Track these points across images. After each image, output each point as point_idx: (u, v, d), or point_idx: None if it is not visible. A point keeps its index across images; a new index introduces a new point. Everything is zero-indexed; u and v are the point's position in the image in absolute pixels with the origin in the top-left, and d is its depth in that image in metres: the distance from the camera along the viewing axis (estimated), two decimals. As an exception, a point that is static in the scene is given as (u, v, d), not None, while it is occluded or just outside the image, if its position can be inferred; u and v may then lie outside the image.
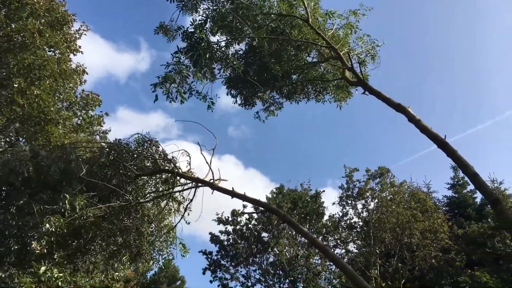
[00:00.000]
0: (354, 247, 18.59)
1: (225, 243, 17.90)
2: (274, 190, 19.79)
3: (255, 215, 17.59)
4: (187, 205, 6.52)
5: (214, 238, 18.05)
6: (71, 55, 10.79)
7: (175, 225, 6.77)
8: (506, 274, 14.01)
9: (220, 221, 18.08)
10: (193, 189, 6.30)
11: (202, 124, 6.90)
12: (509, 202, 17.15)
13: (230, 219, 17.97)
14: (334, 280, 16.80)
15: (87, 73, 11.32)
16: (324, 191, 19.79)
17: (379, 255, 16.58)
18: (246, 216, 17.84)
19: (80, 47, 10.95)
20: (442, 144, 4.69)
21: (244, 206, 16.15)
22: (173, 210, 7.05)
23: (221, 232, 18.11)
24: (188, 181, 6.56)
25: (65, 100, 10.79)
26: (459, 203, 21.16)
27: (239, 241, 17.61)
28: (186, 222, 6.77)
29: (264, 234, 17.83)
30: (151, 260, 7.28)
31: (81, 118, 11.14)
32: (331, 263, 16.04)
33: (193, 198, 6.28)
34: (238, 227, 17.87)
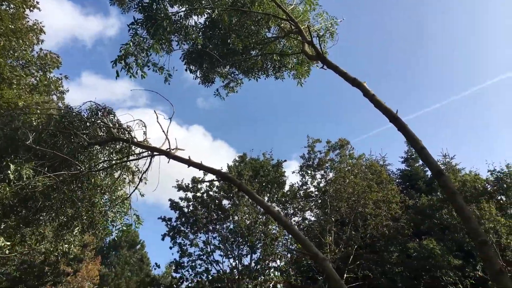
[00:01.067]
0: (311, 215, 19.21)
1: (185, 209, 17.91)
2: (237, 158, 19.89)
3: (216, 183, 17.65)
4: (142, 175, 6.42)
5: (174, 205, 18.00)
6: (27, 11, 10.10)
7: (129, 196, 6.68)
8: (451, 243, 14.96)
9: (180, 188, 17.98)
10: (148, 159, 6.20)
11: (158, 93, 6.74)
12: (459, 175, 18.14)
13: (190, 186, 17.92)
14: (290, 246, 17.30)
15: (44, 33, 10.65)
16: (285, 160, 20.10)
17: (334, 223, 17.20)
18: (207, 183, 17.85)
19: (38, 2, 10.24)
20: (393, 118, 4.84)
21: (205, 174, 16.15)
22: (127, 181, 6.95)
23: (181, 198, 18.04)
24: (143, 151, 6.44)
25: (20, 59, 10.19)
26: (411, 175, 22.19)
27: (199, 208, 17.67)
28: (140, 193, 6.72)
29: (225, 202, 18.02)
30: (104, 232, 7.19)
31: (38, 78, 10.57)
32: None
33: (148, 167, 6.19)
34: (198, 194, 17.87)
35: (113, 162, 6.79)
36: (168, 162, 5.93)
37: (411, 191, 20.17)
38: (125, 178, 6.99)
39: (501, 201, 16.01)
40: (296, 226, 18.31)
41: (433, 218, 16.02)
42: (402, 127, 4.80)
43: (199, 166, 5.93)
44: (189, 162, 5.93)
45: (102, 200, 6.87)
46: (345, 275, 16.32)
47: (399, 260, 16.16)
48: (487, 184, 16.30)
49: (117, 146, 6.71)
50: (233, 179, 6.06)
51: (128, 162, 6.81)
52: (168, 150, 6.01)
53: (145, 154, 6.33)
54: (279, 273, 17.06)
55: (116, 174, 6.93)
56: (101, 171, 6.73)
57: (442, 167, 21.67)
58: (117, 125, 6.52)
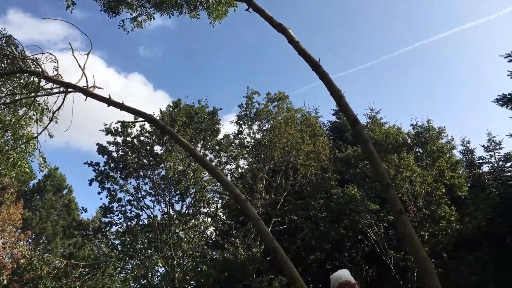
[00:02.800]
0: (245, 164, 19.55)
1: (114, 154, 17.24)
2: (171, 104, 19.32)
3: (147, 127, 17.08)
4: (53, 114, 5.96)
5: (101, 149, 17.18)
6: None
7: (37, 136, 6.21)
8: (370, 190, 16.06)
9: (108, 131, 17.15)
10: (61, 97, 5.74)
11: (69, 22, 6.21)
12: (383, 129, 19.23)
13: (119, 130, 17.13)
14: (217, 188, 17.57)
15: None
16: (221, 109, 20.04)
17: (266, 171, 17.68)
18: (138, 128, 17.20)
19: None
20: (315, 66, 4.86)
21: (136, 118, 15.57)
22: (35, 119, 6.42)
23: (109, 143, 17.27)
24: (55, 87, 5.95)
25: None
26: (340, 127, 23.23)
27: (129, 154, 17.11)
28: (49, 134, 6.27)
29: (157, 148, 17.67)
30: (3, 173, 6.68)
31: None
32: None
33: (61, 105, 5.76)
34: (128, 139, 17.18)
35: (19, 97, 6.21)
36: (85, 100, 5.55)
37: (339, 142, 21.17)
38: (32, 117, 6.44)
39: (418, 153, 17.35)
40: (228, 174, 18.65)
41: (357, 168, 17.02)
42: (323, 75, 4.85)
43: (120, 105, 5.64)
44: (108, 101, 5.60)
45: (4, 138, 6.31)
46: (273, 219, 17.08)
47: (323, 206, 17.14)
48: (407, 137, 17.53)
49: (22, 80, 6.11)
50: (157, 120, 5.87)
51: (36, 99, 6.25)
52: (85, 87, 5.61)
53: (56, 90, 5.83)
54: (210, 218, 17.42)
55: (21, 111, 6.36)
56: (2, 106, 6.13)
57: (368, 120, 22.96)
58: (22, 55, 5.92)
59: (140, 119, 5.65)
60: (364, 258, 15.96)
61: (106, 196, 17.00)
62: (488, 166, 22.79)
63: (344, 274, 2.97)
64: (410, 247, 3.06)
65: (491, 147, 22.36)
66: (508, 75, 15.35)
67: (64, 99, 5.70)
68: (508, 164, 22.18)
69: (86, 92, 5.56)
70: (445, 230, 14.82)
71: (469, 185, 19.08)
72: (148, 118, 5.73)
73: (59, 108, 5.74)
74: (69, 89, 5.71)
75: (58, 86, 5.78)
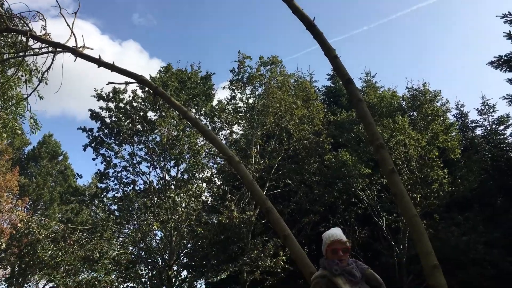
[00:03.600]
0: (239, 129, 19.52)
1: (107, 120, 17.08)
2: (161, 69, 18.94)
3: (140, 93, 16.86)
4: (42, 75, 5.84)
5: (94, 115, 16.99)
6: None
7: (27, 97, 6.12)
8: (364, 154, 16.18)
9: (100, 97, 16.92)
10: (50, 57, 5.61)
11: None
12: (378, 93, 19.15)
13: (111, 96, 16.87)
14: (215, 157, 17.64)
15: None
16: (214, 73, 19.71)
17: (260, 136, 17.69)
18: (130, 94, 16.96)
19: None
20: (309, 25, 4.75)
21: (127, 83, 15.31)
22: (24, 79, 6.30)
23: (101, 108, 17.06)
24: (43, 46, 5.80)
25: None
26: (335, 92, 23.12)
27: (123, 119, 16.97)
28: (39, 96, 6.17)
29: (151, 114, 17.53)
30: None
31: None
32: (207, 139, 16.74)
33: (50, 66, 5.63)
34: (121, 104, 16.98)
35: (6, 56, 6.07)
36: (75, 60, 5.43)
37: (333, 106, 21.11)
38: (20, 78, 6.31)
39: (413, 117, 17.39)
40: (223, 139, 18.64)
41: (351, 132, 17.07)
42: (317, 34, 4.75)
43: (111, 66, 5.53)
44: (99, 62, 5.49)
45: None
46: (267, 184, 17.26)
47: (317, 170, 17.30)
48: (402, 101, 17.51)
49: (9, 40, 5.95)
50: (149, 82, 5.78)
51: (25, 59, 6.11)
52: (74, 47, 5.47)
53: (45, 50, 5.69)
54: (205, 184, 17.54)
55: (10, 71, 6.23)
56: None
57: (363, 85, 22.84)
58: (7, 14, 5.73)
59: (131, 80, 5.57)
60: (357, 220, 16.30)
61: (101, 162, 17.01)
62: (482, 130, 22.97)
63: (336, 232, 3.01)
64: (400, 205, 3.10)
65: (485, 110, 22.45)
66: (504, 36, 15.18)
67: (53, 60, 5.57)
68: (501, 127, 22.35)
69: (75, 52, 5.43)
70: (437, 192, 15.08)
71: (462, 148, 19.26)
72: (140, 79, 5.64)
73: (49, 68, 5.62)
74: (58, 49, 5.57)
75: (47, 46, 5.63)
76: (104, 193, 17.10)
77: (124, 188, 16.61)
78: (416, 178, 15.40)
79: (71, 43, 5.54)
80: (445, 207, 15.89)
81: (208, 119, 18.50)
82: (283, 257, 14.87)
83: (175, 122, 17.00)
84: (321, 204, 16.95)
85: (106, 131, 17.09)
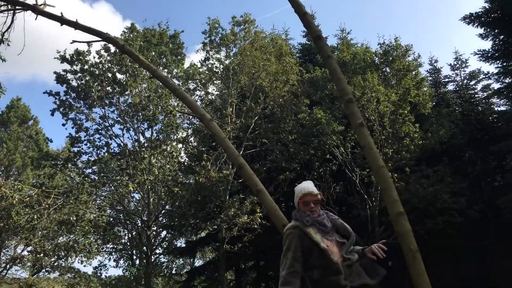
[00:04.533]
0: (214, 90, 19.29)
1: (74, 83, 16.42)
2: (125, 29, 18.03)
3: (105, 54, 16.16)
4: (2, 35, 5.52)
5: (60, 78, 16.30)
6: None
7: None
8: (338, 111, 16.33)
9: (63, 59, 16.14)
10: (10, 16, 5.30)
11: None
12: (352, 50, 19.09)
13: (75, 58, 16.08)
14: (190, 118, 17.48)
15: None
16: (183, 31, 19.08)
17: (235, 96, 17.56)
18: (95, 55, 16.24)
19: None
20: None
21: (91, 42, 14.60)
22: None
23: (66, 71, 16.28)
24: (2, 4, 5.46)
25: None
26: (310, 49, 22.91)
27: (91, 82, 16.36)
28: (1, 58, 5.87)
29: (120, 76, 16.99)
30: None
31: None
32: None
33: (10, 25, 5.34)
34: (86, 66, 16.24)
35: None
36: (36, 18, 5.16)
37: (309, 64, 20.99)
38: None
39: (385, 73, 17.52)
40: (198, 100, 18.42)
41: (325, 89, 17.13)
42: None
43: (74, 24, 5.28)
44: (61, 20, 5.23)
45: None
46: (244, 143, 17.35)
47: (293, 129, 17.44)
48: (375, 57, 17.55)
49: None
50: (115, 40, 5.58)
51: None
52: (34, 5, 5.18)
53: (4, 8, 5.36)
54: (180, 144, 17.46)
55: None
56: None
57: (338, 41, 22.70)
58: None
59: (97, 39, 5.35)
60: (332, 176, 16.69)
61: (72, 127, 16.62)
62: (454, 85, 23.46)
63: (307, 185, 3.07)
64: (368, 157, 3.19)
65: (457, 65, 22.83)
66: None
67: (13, 19, 5.27)
68: (472, 82, 22.86)
69: (36, 10, 5.15)
70: (408, 146, 15.51)
71: (434, 103, 19.69)
72: (106, 37, 5.43)
73: (9, 28, 5.32)
74: (17, 7, 5.27)
75: (5, 3, 5.31)
76: (78, 157, 16.83)
77: (98, 151, 16.39)
78: (388, 134, 15.75)
79: (31, 1, 5.25)
80: (416, 160, 16.42)
81: (182, 81, 18.14)
82: (260, 214, 15.24)
83: (145, 85, 16.63)
84: (297, 162, 17.22)
85: (73, 95, 16.54)
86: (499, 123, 22.87)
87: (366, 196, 15.77)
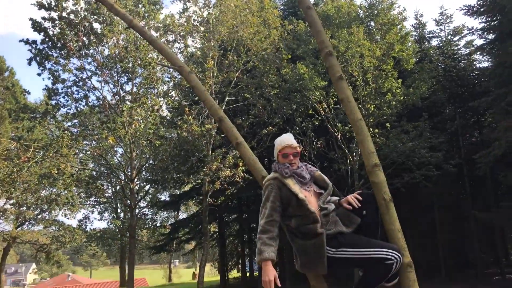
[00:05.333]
0: (194, 42, 18.81)
1: (51, 32, 15.73)
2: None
3: (83, 4, 15.42)
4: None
5: (36, 25, 15.55)
6: None
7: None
8: (321, 66, 16.18)
9: (41, 5, 15.35)
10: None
11: None
12: (336, 3, 18.65)
13: (53, 4, 15.30)
14: (170, 71, 17.11)
15: None
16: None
17: (216, 49, 17.18)
18: (73, 1, 15.46)
19: None
20: None
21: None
22: None
23: (44, 18, 15.57)
24: None
25: None
26: (294, 2, 22.30)
27: (67, 31, 15.68)
28: None
29: (97, 26, 16.33)
30: None
31: None
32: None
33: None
34: (64, 14, 15.49)
35: None
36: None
37: (293, 18, 20.50)
38: None
39: (370, 27, 17.29)
40: (178, 53, 17.96)
41: (308, 44, 16.87)
42: None
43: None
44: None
45: None
46: (226, 98, 17.21)
47: (275, 84, 17.32)
48: (360, 10, 17.23)
49: None
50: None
51: None
52: None
53: None
54: (162, 98, 17.20)
55: None
56: None
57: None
58: None
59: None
60: (314, 131, 16.83)
61: (49, 78, 16.13)
62: (437, 40, 23.39)
63: (286, 137, 3.08)
64: (346, 110, 3.19)
65: (442, 20, 22.66)
66: None
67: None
68: (456, 38, 22.82)
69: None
70: (390, 102, 15.63)
71: (417, 59, 19.68)
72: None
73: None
74: None
75: None
76: (56, 110, 16.48)
77: (77, 104, 16.05)
78: (371, 89, 15.80)
79: None
80: (397, 116, 16.62)
81: (160, 32, 17.55)
82: (242, 168, 15.41)
83: (123, 36, 16.05)
84: (280, 117, 17.26)
85: (50, 43, 15.92)
86: (480, 80, 23.13)
87: (347, 151, 16.03)
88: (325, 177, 3.10)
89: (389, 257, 2.52)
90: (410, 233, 20.57)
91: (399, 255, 2.55)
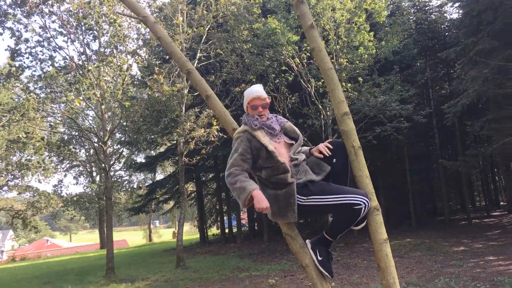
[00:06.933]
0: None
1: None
2: None
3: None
4: None
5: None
6: None
7: None
8: (293, 21, 15.88)
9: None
10: None
11: None
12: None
13: None
14: (138, 26, 16.48)
15: None
16: None
17: (185, 3, 16.57)
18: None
19: None
20: None
21: None
22: None
23: None
24: None
25: None
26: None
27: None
28: None
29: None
30: None
31: None
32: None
33: None
34: None
35: None
36: None
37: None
38: None
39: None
40: (146, 7, 17.24)
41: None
42: None
43: None
44: None
45: None
46: (198, 55, 16.80)
47: (247, 39, 16.97)
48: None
49: None
50: None
51: None
52: None
53: None
54: (130, 56, 16.63)
55: None
56: None
57: None
58: None
59: None
60: (288, 87, 16.78)
61: (10, 37, 15.27)
62: (411, -6, 23.31)
63: (256, 89, 3.03)
64: (317, 59, 3.15)
65: (415, -30, 22.46)
66: None
67: None
68: (427, -10, 22.76)
69: None
70: (362, 56, 15.63)
71: (389, 12, 19.57)
72: None
73: None
74: None
75: None
76: (20, 72, 15.75)
77: (42, 65, 15.36)
78: (343, 43, 15.71)
79: None
80: (369, 70, 16.70)
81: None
82: (217, 127, 15.35)
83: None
84: (253, 73, 17.06)
85: (9, 1, 14.95)
86: (450, 31, 23.34)
87: (320, 106, 16.13)
88: (296, 128, 3.11)
89: (358, 202, 2.59)
90: (382, 184, 21.33)
91: (367, 200, 2.62)
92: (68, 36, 15.27)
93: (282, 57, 15.94)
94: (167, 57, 20.42)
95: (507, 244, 14.41)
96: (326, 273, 2.74)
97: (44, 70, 15.51)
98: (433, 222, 24.80)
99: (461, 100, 16.52)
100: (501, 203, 33.76)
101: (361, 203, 2.60)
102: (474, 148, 18.46)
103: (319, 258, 2.77)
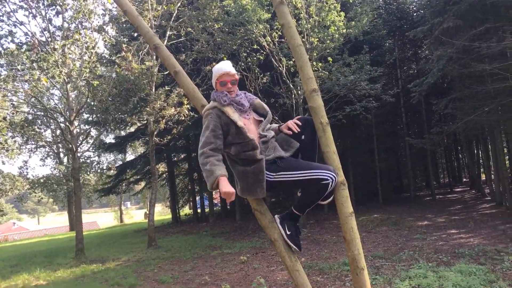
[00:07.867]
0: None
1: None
2: None
3: None
4: None
5: None
6: None
7: None
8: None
9: None
10: None
11: None
12: None
13: None
14: (103, 1, 15.91)
15: None
16: None
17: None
18: None
19: None
20: None
21: None
22: None
23: None
24: None
25: None
26: None
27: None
28: None
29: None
30: None
31: None
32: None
33: None
34: None
35: None
36: None
37: None
38: None
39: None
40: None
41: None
42: None
43: None
44: None
45: None
46: (168, 33, 16.41)
47: (218, 17, 16.67)
48: None
49: None
50: None
51: None
52: None
53: None
54: (96, 33, 16.08)
55: None
56: None
57: None
58: None
59: None
60: (259, 67, 16.70)
61: (-34, 13, 14.45)
62: (380, -28, 23.35)
63: (224, 65, 3.00)
64: (287, 35, 3.14)
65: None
66: None
67: None
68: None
69: None
70: (333, 35, 15.68)
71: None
72: None
73: None
74: None
75: None
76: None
77: (1, 41, 14.65)
78: (314, 22, 15.69)
79: None
80: (339, 50, 16.80)
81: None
82: (187, 106, 15.17)
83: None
84: (224, 52, 16.86)
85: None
86: (418, 11, 23.69)
87: (291, 86, 16.17)
88: (264, 105, 3.12)
89: (325, 177, 2.64)
90: (351, 162, 21.79)
91: (334, 175, 2.67)
92: (29, 10, 14.58)
93: (254, 35, 15.79)
94: (136, 34, 19.86)
95: (468, 218, 15.12)
96: (295, 247, 2.80)
97: (4, 47, 14.81)
98: (399, 198, 25.67)
99: (426, 79, 16.93)
100: (464, 179, 35.22)
101: (329, 178, 2.65)
102: (439, 127, 19.04)
103: (288, 233, 2.82)
